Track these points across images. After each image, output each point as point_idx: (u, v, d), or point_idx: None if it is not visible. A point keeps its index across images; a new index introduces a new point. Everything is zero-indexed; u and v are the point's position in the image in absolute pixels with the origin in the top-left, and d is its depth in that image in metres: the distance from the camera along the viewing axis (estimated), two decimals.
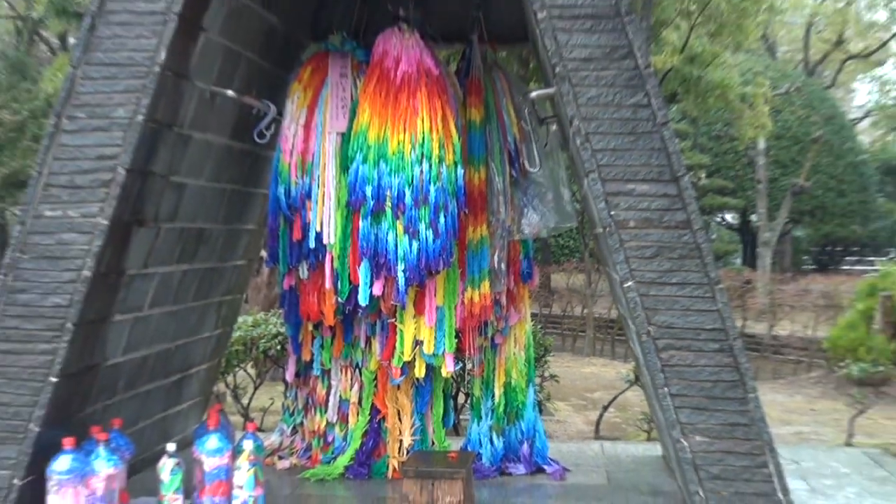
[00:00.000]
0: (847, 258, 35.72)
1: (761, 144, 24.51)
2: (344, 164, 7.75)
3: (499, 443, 8.71)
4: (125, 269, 6.96)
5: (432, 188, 7.44)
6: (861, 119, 40.35)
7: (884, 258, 29.97)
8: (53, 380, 6.40)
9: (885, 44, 36.48)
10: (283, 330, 9.37)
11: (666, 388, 6.24)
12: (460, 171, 7.61)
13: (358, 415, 8.66)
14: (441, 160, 7.50)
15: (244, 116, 8.00)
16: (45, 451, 6.45)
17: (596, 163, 6.29)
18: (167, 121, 6.87)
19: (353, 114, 7.76)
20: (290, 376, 8.97)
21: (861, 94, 43.56)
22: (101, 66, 6.49)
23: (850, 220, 31.24)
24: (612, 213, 6.27)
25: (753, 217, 28.18)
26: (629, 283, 6.28)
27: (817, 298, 19.88)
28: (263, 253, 9.07)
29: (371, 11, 8.57)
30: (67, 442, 6.49)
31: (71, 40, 29.77)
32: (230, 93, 7.54)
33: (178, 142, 7.15)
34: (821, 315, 19.10)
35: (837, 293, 19.37)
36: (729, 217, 32.46)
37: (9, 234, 31.49)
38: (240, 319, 10.39)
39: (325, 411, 8.77)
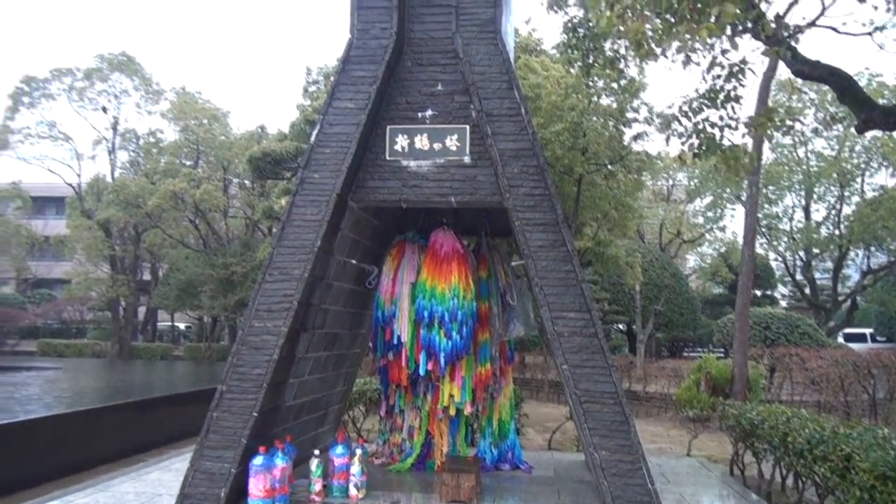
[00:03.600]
0: (685, 349, 35.15)
1: (637, 287, 24.31)
2: (413, 299, 7.81)
3: (495, 452, 8.55)
4: (295, 354, 6.99)
5: (459, 312, 7.47)
6: (690, 274, 40.18)
7: (705, 350, 29.69)
8: (255, 414, 6.39)
9: (701, 236, 36.90)
10: (379, 387, 9.31)
11: (585, 424, 6.16)
12: (474, 303, 7.66)
13: (419, 435, 8.56)
14: (464, 297, 7.55)
15: (361, 273, 8.10)
16: (249, 453, 6.42)
17: (546, 301, 6.34)
18: (320, 276, 6.97)
19: (419, 273, 7.89)
20: (382, 412, 8.88)
21: (690, 261, 43.51)
22: (286, 247, 6.64)
23: (686, 328, 30.89)
24: (556, 328, 6.30)
25: (634, 326, 27.80)
26: (565, 366, 6.27)
27: (669, 372, 19.51)
28: (370, 345, 9.07)
29: (428, 219, 8.73)
30: (261, 448, 6.51)
31: (273, 230, 30.36)
32: (354, 261, 7.67)
33: (326, 287, 7.24)
34: (671, 381, 18.72)
35: (680, 369, 19.02)
36: (621, 326, 32.09)
37: (236, 334, 31.63)
38: (357, 380, 10.34)
39: (402, 432, 8.66)
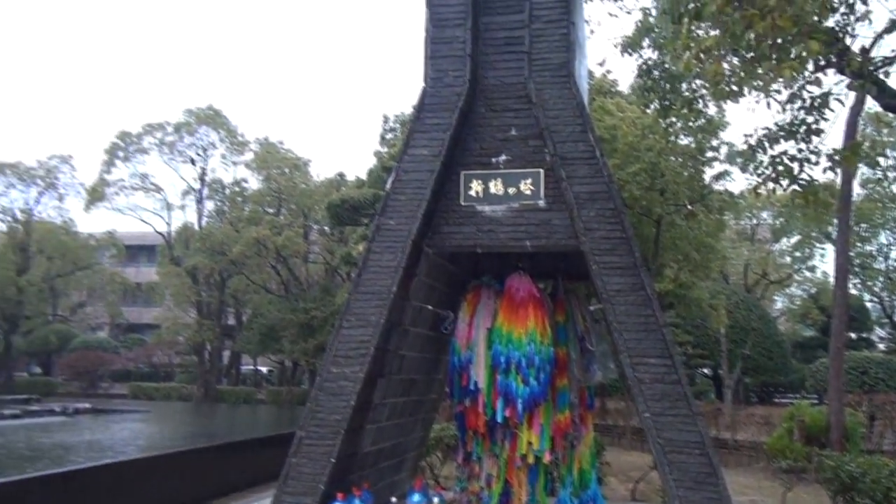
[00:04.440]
0: (776, 395, 33.54)
1: (722, 330, 23.49)
2: (489, 345, 7.74)
3: (576, 502, 8.30)
4: (372, 400, 6.99)
5: (537, 358, 7.36)
6: (779, 317, 38.54)
7: (797, 396, 28.30)
8: (333, 460, 6.40)
9: (789, 276, 35.52)
10: (456, 433, 9.21)
11: (670, 476, 5.91)
12: (552, 348, 7.53)
13: (497, 483, 8.39)
14: (541, 342, 7.44)
15: (437, 318, 8.09)
16: (327, 499, 6.40)
17: (626, 346, 6.17)
18: (396, 321, 7.00)
19: (495, 318, 7.83)
20: (460, 459, 8.75)
21: (778, 303, 41.78)
22: (363, 293, 6.70)
23: (776, 373, 29.56)
24: (636, 374, 6.11)
25: (720, 371, 26.79)
26: (647, 414, 6.06)
27: (759, 419, 18.63)
28: (447, 390, 8.99)
29: (503, 263, 8.68)
30: (339, 495, 6.50)
31: (351, 275, 30.90)
32: (430, 307, 7.69)
33: (402, 333, 7.26)
34: (762, 429, 17.86)
35: (771, 416, 18.14)
36: (706, 370, 30.97)
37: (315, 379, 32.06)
38: (434, 426, 10.27)
39: (480, 480, 8.51)
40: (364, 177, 29.43)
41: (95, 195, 37.14)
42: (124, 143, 36.64)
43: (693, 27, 4.90)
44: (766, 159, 6.22)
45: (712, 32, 5.06)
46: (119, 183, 37.24)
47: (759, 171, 6.36)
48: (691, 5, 5.31)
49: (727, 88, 4.95)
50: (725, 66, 4.78)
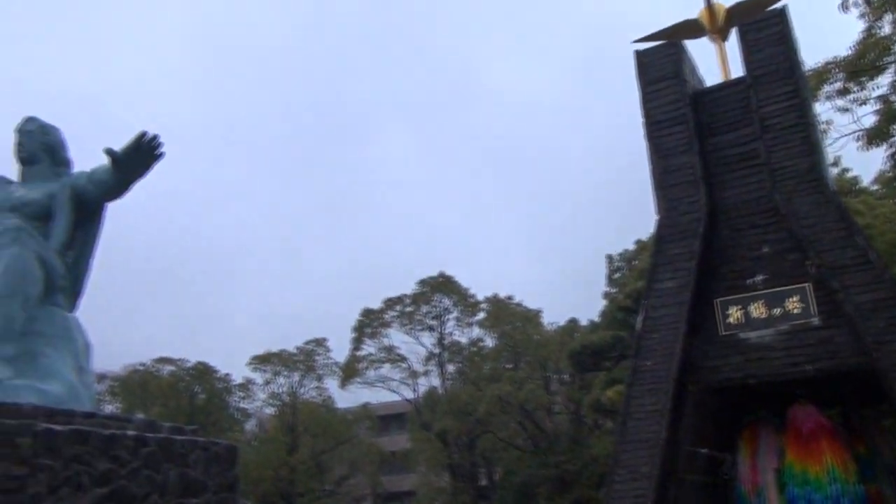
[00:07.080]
0: None
1: None
2: (781, 488, 6.85)
3: None
4: None
5: (844, 500, 6.36)
6: None
7: None
8: None
9: None
10: None
11: None
12: (861, 486, 6.51)
13: None
14: (846, 481, 6.46)
15: (712, 462, 7.38)
16: None
17: None
18: (670, 470, 6.44)
19: (782, 456, 6.97)
20: None
21: None
22: (630, 442, 6.28)
23: None
24: None
25: None
26: None
27: None
28: None
29: (775, 392, 7.83)
30: None
31: (598, 422, 29.81)
32: (703, 450, 7.04)
33: (678, 483, 6.64)
34: None
35: None
36: None
37: None
38: None
39: None
40: (595, 319, 29.02)
41: (349, 372, 39.87)
42: (368, 320, 39.46)
43: None
44: None
45: None
46: (368, 357, 39.79)
47: None
48: None
49: None
50: None
